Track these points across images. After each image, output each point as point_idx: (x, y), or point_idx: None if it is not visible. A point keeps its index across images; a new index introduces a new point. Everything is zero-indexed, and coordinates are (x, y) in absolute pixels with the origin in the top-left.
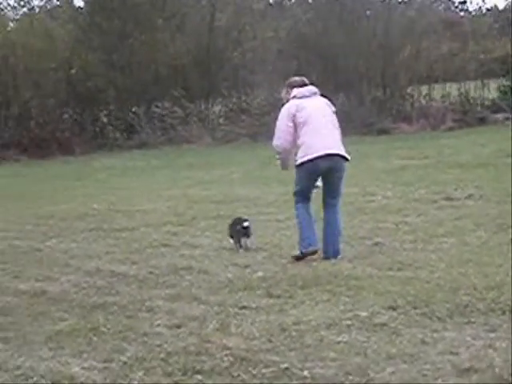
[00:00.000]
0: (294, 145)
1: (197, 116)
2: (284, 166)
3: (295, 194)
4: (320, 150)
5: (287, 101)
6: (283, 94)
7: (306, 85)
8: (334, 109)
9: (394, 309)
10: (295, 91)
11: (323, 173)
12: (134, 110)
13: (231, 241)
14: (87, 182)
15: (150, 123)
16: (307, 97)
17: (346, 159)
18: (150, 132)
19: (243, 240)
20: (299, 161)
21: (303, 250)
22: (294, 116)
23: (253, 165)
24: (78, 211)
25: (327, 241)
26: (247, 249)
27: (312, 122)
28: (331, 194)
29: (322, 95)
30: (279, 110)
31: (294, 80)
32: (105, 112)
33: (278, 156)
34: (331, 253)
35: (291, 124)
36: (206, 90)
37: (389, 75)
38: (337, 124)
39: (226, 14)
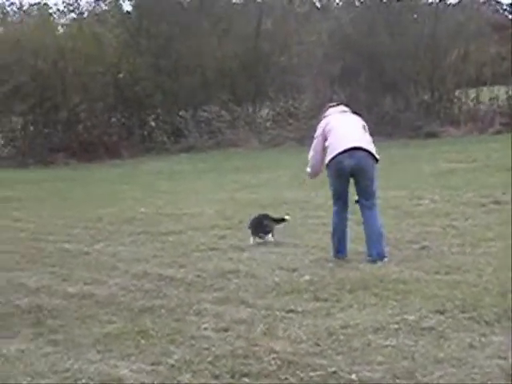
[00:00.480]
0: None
1: (244, 120)
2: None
3: (332, 197)
4: (342, 146)
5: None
6: (321, 115)
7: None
8: (363, 123)
9: (441, 313)
10: (328, 111)
11: (350, 172)
12: (181, 113)
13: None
14: (135, 186)
15: (198, 127)
16: (337, 113)
17: (375, 158)
18: (197, 136)
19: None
20: (326, 162)
21: (332, 256)
22: (324, 130)
23: (300, 168)
24: (125, 215)
25: (369, 243)
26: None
27: (338, 128)
28: (363, 195)
29: (354, 112)
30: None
31: (332, 104)
32: (152, 116)
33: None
34: (375, 255)
35: (321, 144)
36: (252, 93)
37: (436, 78)
38: (366, 132)
39: (272, 17)
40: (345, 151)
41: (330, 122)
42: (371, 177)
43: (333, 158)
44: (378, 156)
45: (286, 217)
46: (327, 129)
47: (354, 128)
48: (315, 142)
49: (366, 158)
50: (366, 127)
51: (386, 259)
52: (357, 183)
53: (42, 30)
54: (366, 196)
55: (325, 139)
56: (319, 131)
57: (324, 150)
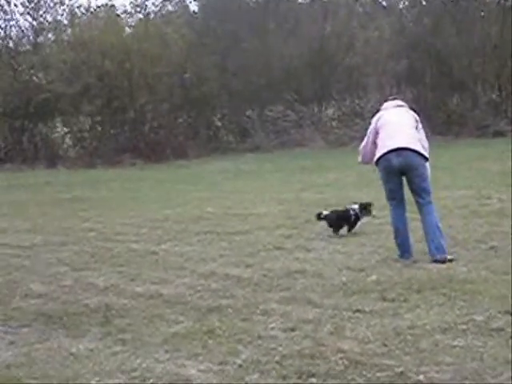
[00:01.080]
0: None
1: (309, 119)
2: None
3: (385, 196)
4: (391, 146)
5: None
6: None
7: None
8: (417, 118)
9: (510, 313)
10: (384, 105)
11: (399, 170)
12: (247, 113)
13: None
14: (201, 186)
15: (263, 127)
16: (391, 108)
17: (423, 156)
18: (263, 135)
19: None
20: (375, 158)
21: (399, 257)
22: (376, 124)
23: (366, 168)
24: (192, 214)
25: (427, 240)
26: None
27: (390, 124)
28: (417, 193)
29: (411, 108)
30: None
31: (389, 98)
32: (218, 116)
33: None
34: (433, 250)
35: (372, 137)
36: (318, 93)
37: (504, 77)
38: (419, 129)
39: (337, 17)
40: (393, 150)
41: (383, 116)
42: (421, 174)
43: (382, 156)
44: (426, 154)
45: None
46: (379, 123)
47: (405, 125)
48: (367, 134)
49: (413, 156)
50: (419, 124)
51: (446, 255)
52: (409, 182)
53: (109, 31)
54: (420, 194)
55: (377, 133)
56: (372, 125)
57: (375, 143)
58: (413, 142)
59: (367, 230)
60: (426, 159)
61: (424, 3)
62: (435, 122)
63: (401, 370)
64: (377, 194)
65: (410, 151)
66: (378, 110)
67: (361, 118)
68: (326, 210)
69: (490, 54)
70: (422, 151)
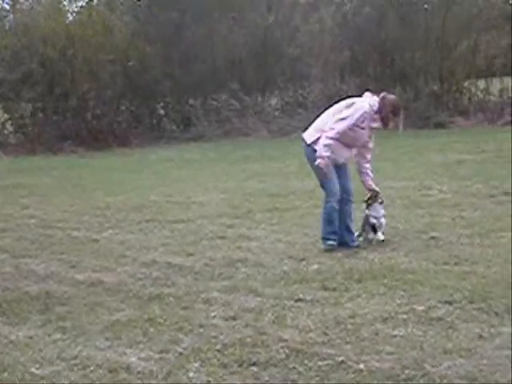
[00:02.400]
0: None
1: (253, 109)
2: None
3: None
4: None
5: None
6: None
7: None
8: (351, 104)
9: (450, 303)
10: None
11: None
12: (190, 102)
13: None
14: (143, 174)
15: (207, 116)
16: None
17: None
18: (206, 124)
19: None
20: None
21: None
22: None
23: None
24: (134, 202)
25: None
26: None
27: None
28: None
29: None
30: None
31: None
32: (161, 104)
33: None
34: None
35: None
36: (262, 82)
37: (446, 69)
38: (335, 120)
39: (280, 7)
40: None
41: None
42: (311, 165)
43: None
44: (308, 140)
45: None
46: None
47: (324, 114)
48: None
49: (306, 149)
50: (343, 114)
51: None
52: None
53: (51, 18)
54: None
55: None
56: None
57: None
58: (310, 134)
59: (309, 220)
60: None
61: None
62: None
63: (341, 358)
64: (318, 184)
65: (304, 143)
66: (322, 104)
67: (304, 108)
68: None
69: (433, 46)
70: (309, 141)
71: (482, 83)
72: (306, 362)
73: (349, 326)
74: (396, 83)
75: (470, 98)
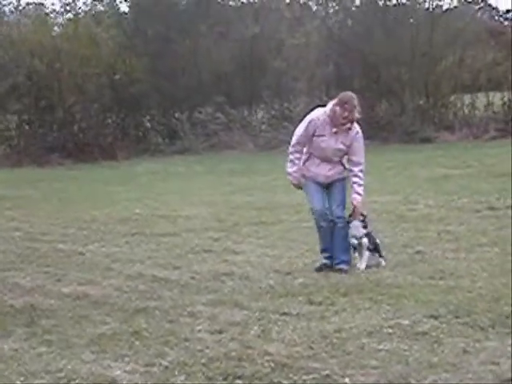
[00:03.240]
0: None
1: (239, 122)
2: None
3: None
4: None
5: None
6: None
7: None
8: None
9: (435, 318)
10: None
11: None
12: (176, 115)
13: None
14: (130, 187)
15: (193, 129)
16: None
17: None
18: (192, 138)
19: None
20: None
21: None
22: None
23: None
24: (120, 215)
25: None
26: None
27: None
28: None
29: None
30: None
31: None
32: (148, 117)
33: None
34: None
35: None
36: (248, 96)
37: (432, 83)
38: None
39: (267, 21)
40: None
41: None
42: None
43: None
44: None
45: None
46: None
47: None
48: None
49: None
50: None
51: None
52: None
53: (38, 30)
54: None
55: None
56: None
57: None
58: None
59: (295, 234)
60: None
61: (353, 9)
62: (363, 127)
63: (327, 372)
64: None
65: None
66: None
67: (290, 122)
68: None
69: (418, 60)
70: None
71: (467, 98)
72: (291, 375)
73: (334, 340)
74: (382, 97)
75: (455, 113)
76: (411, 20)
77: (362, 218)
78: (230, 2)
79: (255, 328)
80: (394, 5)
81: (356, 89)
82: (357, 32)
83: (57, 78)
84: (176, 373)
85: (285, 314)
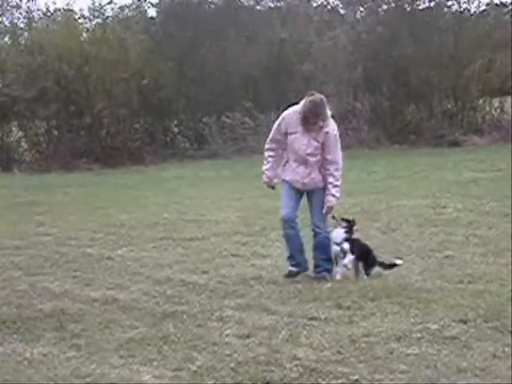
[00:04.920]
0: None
1: (267, 127)
2: None
3: None
4: None
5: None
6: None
7: None
8: None
9: (464, 322)
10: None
11: None
12: (204, 120)
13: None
14: (157, 192)
15: (221, 134)
16: None
17: None
18: (220, 142)
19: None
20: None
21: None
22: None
23: None
24: (148, 220)
25: None
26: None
27: None
28: None
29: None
30: (349, 121)
31: None
32: (175, 122)
33: None
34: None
35: None
36: (276, 100)
37: (460, 87)
38: None
39: (294, 25)
40: None
41: None
42: None
43: None
44: None
45: (398, 261)
46: None
47: None
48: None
49: None
50: None
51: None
52: None
53: (66, 36)
54: None
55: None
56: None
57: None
58: None
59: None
60: None
61: (381, 13)
62: (392, 131)
63: (355, 377)
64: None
65: None
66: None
67: None
68: None
69: (446, 64)
70: None
71: (496, 101)
72: (320, 380)
73: (363, 345)
74: (410, 101)
75: (483, 117)
76: (439, 23)
77: (345, 224)
78: (258, 7)
79: (283, 332)
80: (422, 8)
81: (384, 92)
82: (384, 36)
83: (85, 83)
84: (205, 377)
85: (313, 318)
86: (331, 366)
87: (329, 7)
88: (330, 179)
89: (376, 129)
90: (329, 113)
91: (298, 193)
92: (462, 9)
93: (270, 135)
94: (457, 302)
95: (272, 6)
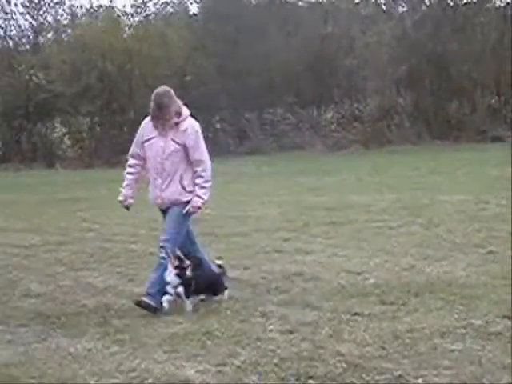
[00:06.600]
0: None
1: (309, 123)
2: None
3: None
4: None
5: (178, 115)
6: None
7: None
8: None
9: (509, 318)
10: (185, 108)
11: None
12: (246, 116)
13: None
14: None
15: (262, 129)
16: None
17: None
18: (262, 138)
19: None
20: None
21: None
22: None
23: (365, 171)
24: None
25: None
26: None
27: None
28: None
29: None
30: (392, 117)
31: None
32: (217, 118)
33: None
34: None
35: None
36: (317, 96)
37: (503, 82)
38: None
39: (337, 20)
40: None
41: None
42: None
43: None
44: None
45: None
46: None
47: None
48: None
49: None
50: None
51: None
52: None
53: (109, 32)
54: None
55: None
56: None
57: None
58: None
59: (365, 234)
60: None
61: (424, 8)
62: (434, 126)
63: (399, 373)
64: (374, 198)
65: None
66: (378, 118)
67: (360, 122)
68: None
69: (489, 59)
70: None
71: None
72: (363, 376)
73: (406, 341)
74: (452, 97)
75: None
76: (481, 18)
77: (177, 263)
78: (300, 3)
79: (326, 328)
80: (464, 3)
81: (426, 88)
82: (427, 31)
83: (128, 80)
84: (248, 373)
85: (356, 314)
86: (375, 361)
87: (372, 1)
88: (198, 180)
89: (418, 124)
90: (183, 109)
91: (164, 213)
92: (504, 3)
93: (130, 150)
94: (500, 297)
95: (314, 1)
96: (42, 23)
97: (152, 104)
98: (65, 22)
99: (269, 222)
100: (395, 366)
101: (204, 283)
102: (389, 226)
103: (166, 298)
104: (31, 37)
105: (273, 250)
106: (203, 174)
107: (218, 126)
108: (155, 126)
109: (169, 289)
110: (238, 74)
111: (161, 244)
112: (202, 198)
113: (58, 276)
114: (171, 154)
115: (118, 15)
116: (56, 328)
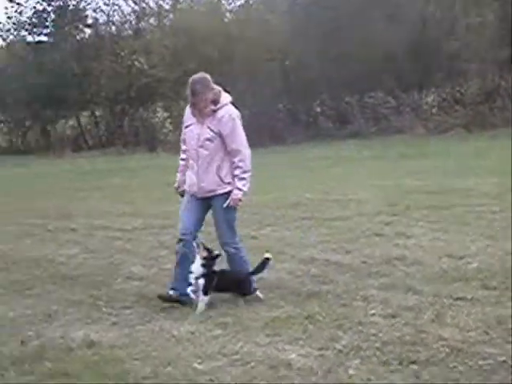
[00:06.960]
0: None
1: (409, 106)
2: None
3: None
4: None
5: (215, 102)
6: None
7: None
8: None
9: None
10: (227, 95)
11: None
12: (346, 99)
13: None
14: (299, 172)
15: (363, 113)
16: None
17: None
18: (362, 122)
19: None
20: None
21: None
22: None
23: (467, 155)
24: (290, 200)
25: None
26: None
27: None
28: None
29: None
30: (494, 100)
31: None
32: (318, 102)
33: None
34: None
35: None
36: (419, 79)
37: None
38: None
39: (439, 2)
40: None
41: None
42: None
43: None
44: None
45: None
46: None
47: None
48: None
49: None
50: None
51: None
52: None
53: (210, 17)
54: None
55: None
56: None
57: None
58: None
59: (467, 218)
60: None
61: None
62: None
63: (503, 358)
64: (476, 182)
65: None
66: (480, 101)
67: (462, 105)
68: None
69: None
70: None
71: None
72: (466, 361)
73: (510, 326)
74: None
75: None
76: None
77: (205, 254)
78: None
79: (429, 313)
80: None
81: None
82: None
83: (229, 64)
84: (350, 356)
85: (459, 298)
86: (478, 346)
87: None
88: (236, 172)
89: None
90: (222, 96)
91: (198, 201)
92: None
93: (182, 135)
94: None
95: None
96: (144, 8)
97: (188, 90)
98: (166, 7)
99: (370, 205)
100: (499, 351)
101: (228, 281)
102: (491, 210)
103: (190, 288)
104: (133, 22)
105: (374, 234)
106: (241, 164)
107: (319, 109)
108: (193, 113)
109: (191, 278)
110: (339, 58)
111: (180, 237)
112: (242, 190)
113: (160, 259)
114: (206, 141)
115: (219, 0)
116: (159, 311)
